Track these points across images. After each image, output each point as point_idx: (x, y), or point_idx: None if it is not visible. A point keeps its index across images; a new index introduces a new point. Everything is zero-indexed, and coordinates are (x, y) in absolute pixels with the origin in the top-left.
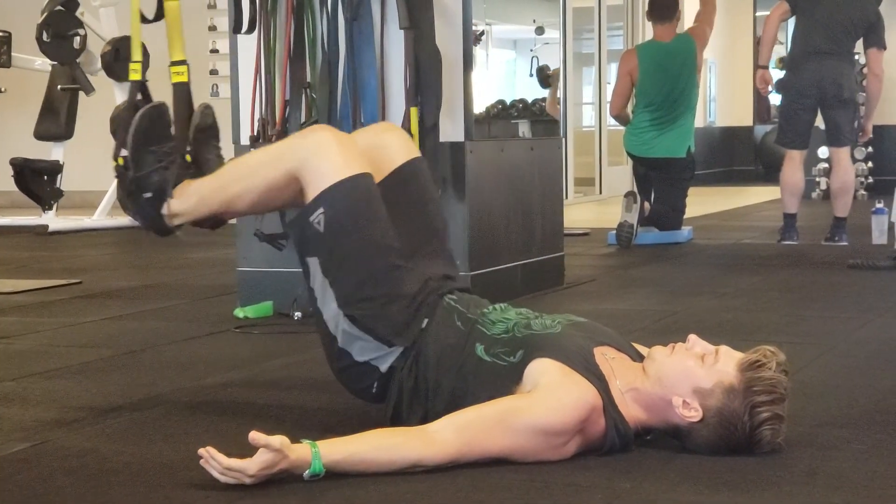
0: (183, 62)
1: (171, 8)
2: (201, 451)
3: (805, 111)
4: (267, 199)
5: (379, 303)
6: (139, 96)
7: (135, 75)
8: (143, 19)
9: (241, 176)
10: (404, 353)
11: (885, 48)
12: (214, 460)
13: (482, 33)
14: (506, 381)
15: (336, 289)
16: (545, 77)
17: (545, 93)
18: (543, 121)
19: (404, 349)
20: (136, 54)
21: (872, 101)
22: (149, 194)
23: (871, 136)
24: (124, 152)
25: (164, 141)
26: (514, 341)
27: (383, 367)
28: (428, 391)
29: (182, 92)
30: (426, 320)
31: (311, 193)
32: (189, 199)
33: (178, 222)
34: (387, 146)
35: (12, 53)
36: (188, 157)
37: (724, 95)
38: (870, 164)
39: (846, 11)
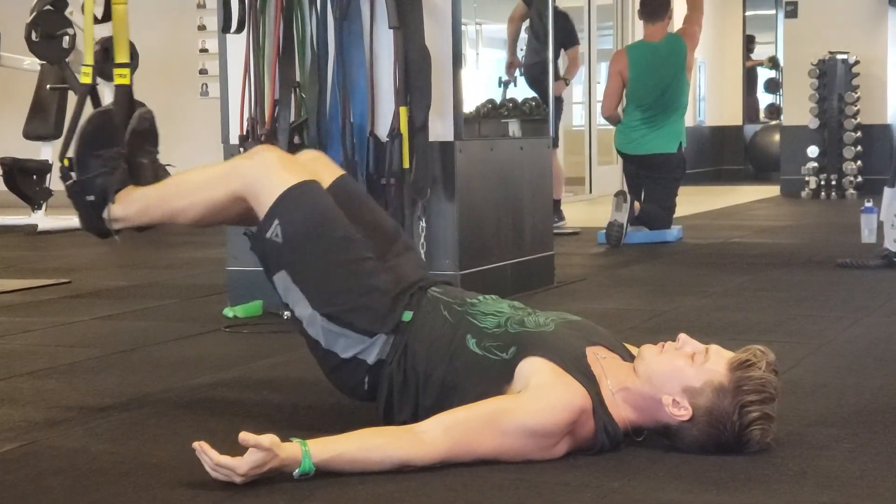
0: (127, 65)
1: (119, 11)
2: (195, 444)
3: None
4: (210, 216)
5: (354, 295)
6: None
7: (86, 79)
8: (94, 20)
9: (186, 192)
10: (393, 346)
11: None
12: (206, 455)
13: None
14: (497, 377)
15: (308, 292)
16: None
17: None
18: (534, 120)
19: (388, 339)
20: (89, 58)
21: None
22: (91, 197)
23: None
24: (71, 154)
25: (111, 145)
26: (506, 336)
27: (370, 360)
28: (418, 385)
29: (123, 94)
30: (410, 313)
31: (262, 210)
32: (130, 206)
33: (118, 227)
34: (319, 165)
35: (1, 53)
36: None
37: (713, 95)
38: (859, 163)
39: None
